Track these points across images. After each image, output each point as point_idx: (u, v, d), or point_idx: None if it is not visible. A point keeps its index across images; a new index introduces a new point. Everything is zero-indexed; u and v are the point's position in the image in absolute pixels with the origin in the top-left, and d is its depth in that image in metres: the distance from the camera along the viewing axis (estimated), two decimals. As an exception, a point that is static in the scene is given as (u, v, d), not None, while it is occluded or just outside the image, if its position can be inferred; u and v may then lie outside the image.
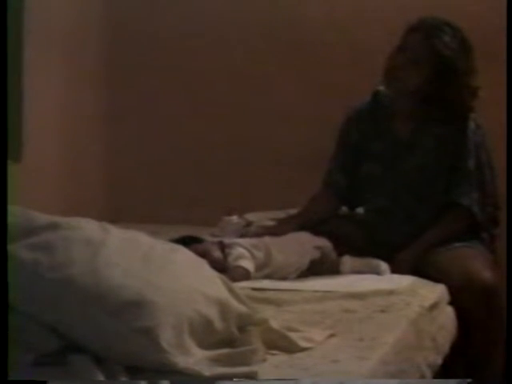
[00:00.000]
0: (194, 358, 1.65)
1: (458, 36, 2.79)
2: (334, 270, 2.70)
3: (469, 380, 2.24)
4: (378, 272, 2.71)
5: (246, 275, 2.57)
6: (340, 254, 2.80)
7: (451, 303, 2.64)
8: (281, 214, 3.22)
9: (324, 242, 2.77)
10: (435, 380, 2.34)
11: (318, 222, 2.93)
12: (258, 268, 2.62)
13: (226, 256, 2.63)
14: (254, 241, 2.73)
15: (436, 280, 2.68)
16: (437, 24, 2.81)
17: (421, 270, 2.77)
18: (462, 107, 2.85)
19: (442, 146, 2.87)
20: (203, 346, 1.70)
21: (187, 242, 2.48)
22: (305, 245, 2.72)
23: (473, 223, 2.86)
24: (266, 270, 2.63)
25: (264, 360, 1.74)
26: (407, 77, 2.81)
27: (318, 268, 2.69)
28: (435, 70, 2.78)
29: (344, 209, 3.12)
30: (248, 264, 2.60)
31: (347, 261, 2.73)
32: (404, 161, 2.90)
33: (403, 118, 2.92)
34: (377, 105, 2.99)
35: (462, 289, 2.63)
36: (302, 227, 2.88)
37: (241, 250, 2.63)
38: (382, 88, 2.97)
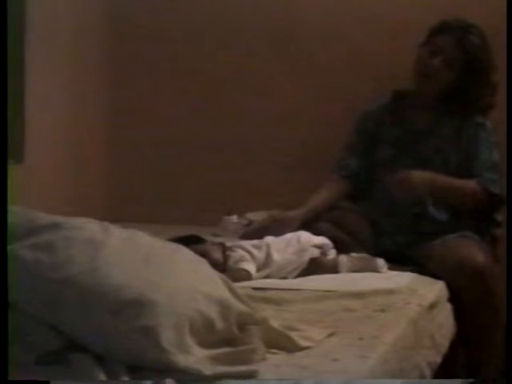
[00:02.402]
0: (195, 357, 1.65)
1: (481, 35, 2.96)
2: (332, 270, 2.71)
3: (471, 380, 2.25)
4: (375, 269, 2.72)
5: (247, 277, 2.58)
6: (344, 248, 2.84)
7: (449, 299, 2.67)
8: (281, 214, 3.23)
9: (323, 241, 2.78)
10: (439, 380, 2.36)
11: (328, 208, 3.01)
12: (259, 269, 2.64)
13: (226, 258, 2.65)
14: (254, 242, 2.75)
15: (433, 272, 2.73)
16: (463, 25, 2.96)
17: (419, 264, 2.83)
18: (484, 103, 2.99)
19: (459, 136, 2.97)
20: (203, 345, 1.70)
21: (188, 241, 2.49)
22: (304, 244, 2.73)
23: (488, 204, 2.92)
24: (266, 270, 2.64)
25: (264, 359, 1.74)
26: (441, 77, 2.96)
27: (316, 267, 2.69)
28: (466, 71, 2.94)
29: (347, 204, 3.14)
30: (249, 266, 2.61)
31: (344, 260, 2.74)
32: (419, 146, 2.99)
33: (423, 109, 3.03)
34: (396, 102, 3.10)
35: (455, 271, 2.71)
36: (311, 213, 2.97)
37: (242, 253, 2.65)
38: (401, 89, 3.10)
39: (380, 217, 3.03)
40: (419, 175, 2.88)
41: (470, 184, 2.92)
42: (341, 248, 2.85)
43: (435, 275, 2.73)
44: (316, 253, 2.72)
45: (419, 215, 2.96)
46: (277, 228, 2.87)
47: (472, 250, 2.78)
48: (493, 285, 2.72)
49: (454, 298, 2.68)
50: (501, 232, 3.03)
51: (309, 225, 2.93)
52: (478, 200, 2.92)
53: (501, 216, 3.04)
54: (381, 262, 2.75)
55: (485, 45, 2.96)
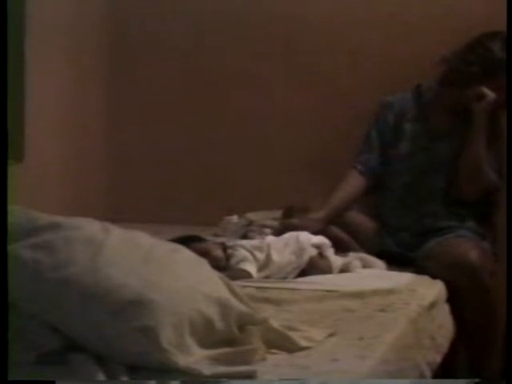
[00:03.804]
0: (195, 357, 1.66)
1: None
2: (327, 270, 2.70)
3: (476, 380, 2.26)
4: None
5: (247, 278, 2.57)
6: (345, 247, 2.86)
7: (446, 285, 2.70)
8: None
9: (321, 240, 2.77)
10: (444, 380, 2.36)
11: (349, 206, 3.05)
12: (259, 269, 2.63)
13: (227, 257, 2.64)
14: (255, 242, 2.74)
15: (431, 272, 2.74)
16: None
17: (419, 265, 2.84)
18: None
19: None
20: (203, 345, 1.71)
21: (188, 241, 2.49)
22: (303, 243, 2.72)
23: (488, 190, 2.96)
24: (266, 271, 2.64)
25: (264, 359, 1.74)
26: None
27: (312, 267, 2.69)
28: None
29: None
30: (250, 267, 2.61)
31: (337, 260, 2.74)
32: (435, 145, 2.99)
33: (444, 108, 3.02)
34: (419, 97, 3.09)
35: (448, 268, 2.73)
36: (334, 214, 2.99)
37: (244, 253, 2.64)
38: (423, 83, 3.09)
39: (386, 215, 3.04)
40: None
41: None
42: (342, 247, 2.85)
43: (434, 275, 2.74)
44: (314, 252, 2.72)
45: (426, 213, 2.97)
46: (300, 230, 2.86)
47: (466, 247, 2.80)
48: (486, 281, 2.74)
49: (450, 295, 2.69)
50: (501, 232, 3.03)
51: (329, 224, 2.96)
52: (486, 188, 2.94)
53: (500, 217, 3.04)
54: (380, 264, 2.77)
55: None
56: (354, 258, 2.79)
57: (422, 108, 3.08)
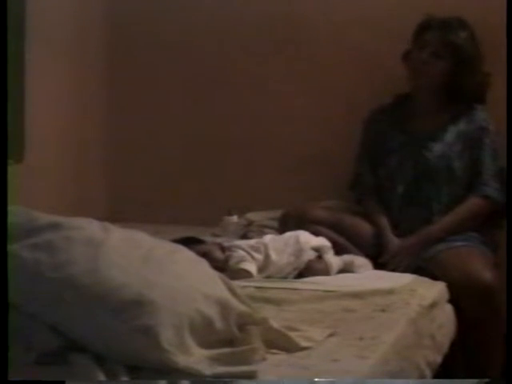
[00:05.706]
0: (195, 357, 1.66)
1: (465, 27, 3.02)
2: (326, 273, 2.69)
3: (486, 380, 2.26)
4: (352, 269, 2.73)
5: (248, 277, 2.57)
6: (343, 251, 2.83)
7: (451, 301, 2.65)
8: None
9: (322, 241, 2.76)
10: (444, 380, 2.36)
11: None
12: (259, 270, 2.63)
13: (226, 258, 2.64)
14: (252, 242, 2.73)
15: (436, 277, 2.71)
16: (447, 19, 3.03)
17: (421, 267, 2.82)
18: (478, 93, 3.04)
19: (462, 142, 2.98)
20: (203, 345, 1.71)
21: (187, 242, 2.48)
22: (303, 244, 2.71)
23: (493, 211, 2.95)
24: (265, 272, 2.63)
25: (264, 359, 1.74)
26: (431, 71, 3.01)
27: (312, 269, 2.67)
28: (455, 62, 3.00)
29: (346, 204, 3.16)
30: (250, 266, 2.60)
31: (332, 262, 2.72)
32: (423, 152, 3.00)
33: (424, 114, 3.06)
34: (398, 105, 3.14)
35: (461, 288, 2.68)
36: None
37: (241, 253, 2.63)
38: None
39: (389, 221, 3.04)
40: (409, 250, 2.90)
41: (472, 203, 2.93)
42: (339, 251, 2.83)
43: (435, 276, 2.72)
44: (312, 255, 2.70)
45: (427, 220, 2.96)
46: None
47: (478, 264, 2.75)
48: (499, 300, 2.69)
49: (452, 297, 2.67)
50: (502, 234, 3.02)
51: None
52: (485, 212, 2.94)
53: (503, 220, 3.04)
54: (362, 261, 2.76)
55: (470, 36, 3.01)
56: (350, 258, 2.78)
57: (403, 116, 3.10)
